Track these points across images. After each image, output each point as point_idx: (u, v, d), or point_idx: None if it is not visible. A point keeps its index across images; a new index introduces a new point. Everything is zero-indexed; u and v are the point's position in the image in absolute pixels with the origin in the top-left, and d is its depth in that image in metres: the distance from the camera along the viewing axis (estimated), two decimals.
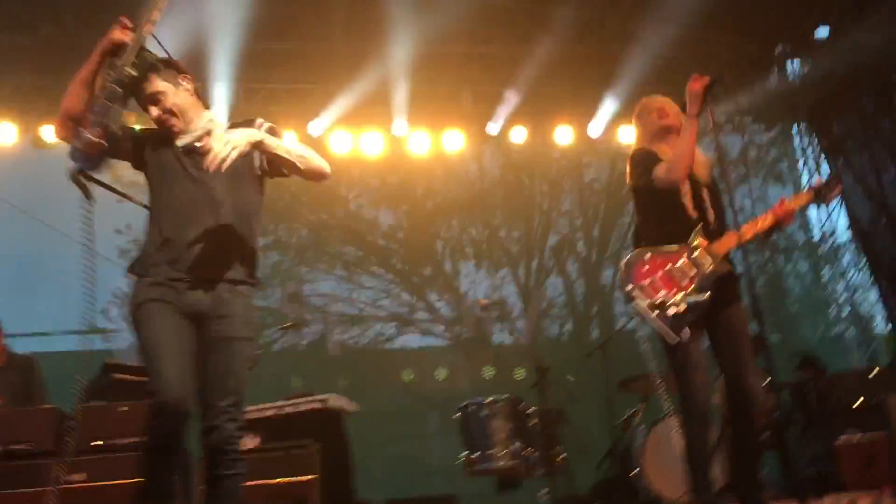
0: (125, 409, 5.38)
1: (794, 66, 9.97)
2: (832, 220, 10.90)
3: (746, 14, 8.49)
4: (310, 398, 6.00)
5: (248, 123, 3.28)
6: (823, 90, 9.74)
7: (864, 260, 10.02)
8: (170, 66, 3.31)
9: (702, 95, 3.69)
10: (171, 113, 3.25)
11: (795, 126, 11.02)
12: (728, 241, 3.73)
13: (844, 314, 10.87)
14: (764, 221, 3.84)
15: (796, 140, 11.13)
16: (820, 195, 4.02)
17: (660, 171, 3.75)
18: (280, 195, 15.61)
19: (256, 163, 3.35)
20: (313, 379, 13.97)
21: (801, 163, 11.02)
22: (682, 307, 3.61)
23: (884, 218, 9.23)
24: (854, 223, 9.87)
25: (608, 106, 9.07)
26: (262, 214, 3.43)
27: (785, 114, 10.68)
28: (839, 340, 11.18)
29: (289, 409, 5.96)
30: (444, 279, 17.12)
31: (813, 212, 10.99)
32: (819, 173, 10.61)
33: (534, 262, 16.86)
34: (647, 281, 3.69)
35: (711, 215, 3.82)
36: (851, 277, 10.74)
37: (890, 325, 9.66)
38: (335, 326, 16.74)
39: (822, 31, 9.40)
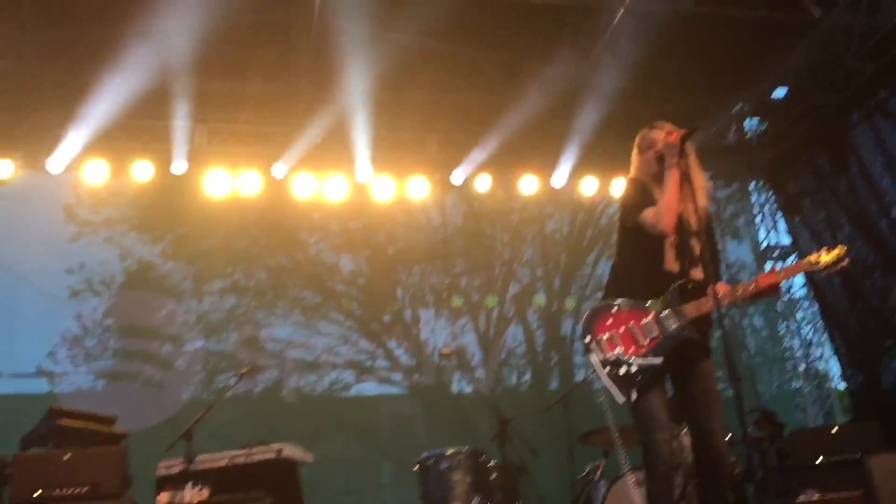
0: (68, 456, 5.15)
1: (752, 124, 10.21)
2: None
3: (708, 72, 8.67)
4: (263, 448, 5.82)
5: None
6: (780, 149, 9.96)
7: (819, 316, 10.16)
8: None
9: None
10: None
11: (753, 183, 11.23)
12: (702, 306, 3.58)
13: (800, 369, 10.97)
14: (746, 290, 3.69)
15: (753, 197, 11.33)
16: (820, 268, 3.71)
17: (648, 215, 3.67)
18: (239, 238, 15.43)
19: None
20: (267, 426, 13.66)
21: (758, 219, 11.20)
22: (633, 369, 3.53)
23: (838, 276, 9.38)
24: (809, 280, 10.02)
25: (571, 158, 9.14)
26: None
27: (742, 171, 10.88)
28: (795, 395, 11.25)
29: (241, 459, 5.78)
30: (404, 326, 16.97)
31: (769, 265, 11.12)
32: (776, 230, 10.80)
33: (494, 310, 16.82)
34: (607, 335, 3.62)
35: (698, 268, 3.68)
36: (806, 333, 10.87)
37: (844, 382, 9.76)
38: (291, 373, 16.45)
39: (780, 92, 9.66)
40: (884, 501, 5.22)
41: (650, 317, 3.62)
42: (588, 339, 3.65)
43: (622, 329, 3.62)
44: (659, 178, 3.77)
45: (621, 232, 3.87)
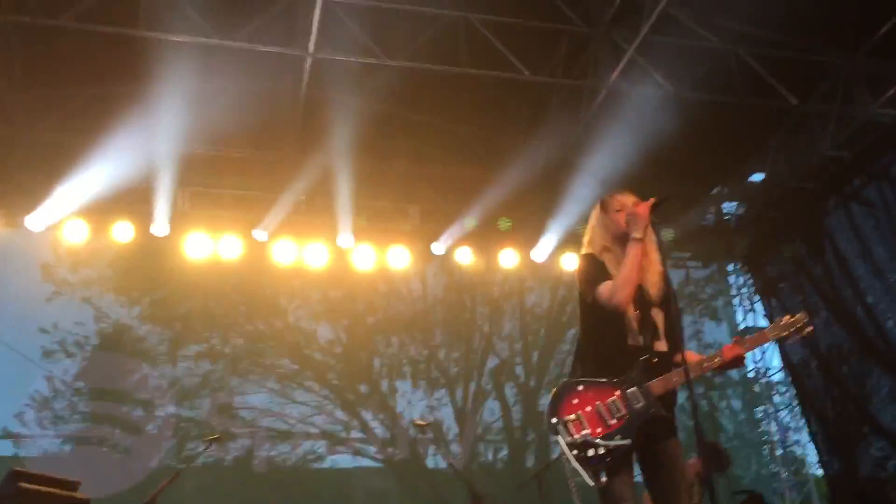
0: None
1: (731, 207, 10.37)
2: (766, 359, 11.09)
3: (686, 155, 8.84)
4: None
5: None
6: (758, 232, 10.10)
7: (796, 400, 10.15)
8: None
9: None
10: None
11: (731, 265, 11.35)
12: (668, 382, 3.52)
13: (778, 454, 10.89)
14: (712, 362, 3.63)
15: (732, 279, 11.44)
16: (783, 334, 3.70)
17: (604, 291, 3.60)
18: (218, 303, 15.33)
19: None
20: (237, 497, 13.34)
21: (735, 301, 11.28)
22: (602, 450, 3.44)
23: (815, 360, 9.41)
24: (787, 363, 10.04)
25: (552, 233, 9.22)
26: None
27: (721, 253, 11.00)
28: (773, 480, 11.14)
29: None
30: (380, 398, 16.77)
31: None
32: (753, 312, 10.87)
33: (472, 384, 16.68)
34: (573, 416, 3.52)
35: (661, 340, 3.62)
36: (784, 418, 10.84)
37: (821, 469, 9.68)
38: (263, 442, 16.14)
39: (758, 177, 9.84)
40: None
41: (616, 395, 3.54)
42: (554, 420, 3.55)
43: (588, 409, 3.53)
44: (622, 240, 3.71)
45: (582, 307, 3.80)
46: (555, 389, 3.66)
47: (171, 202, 8.27)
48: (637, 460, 3.61)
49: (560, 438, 3.52)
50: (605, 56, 7.62)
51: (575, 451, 3.47)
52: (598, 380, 3.60)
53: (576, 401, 3.57)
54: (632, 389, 3.54)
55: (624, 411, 3.51)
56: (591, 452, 3.45)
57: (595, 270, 3.72)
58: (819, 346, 9.13)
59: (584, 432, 3.49)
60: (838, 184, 8.90)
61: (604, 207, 3.88)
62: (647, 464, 3.60)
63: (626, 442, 3.47)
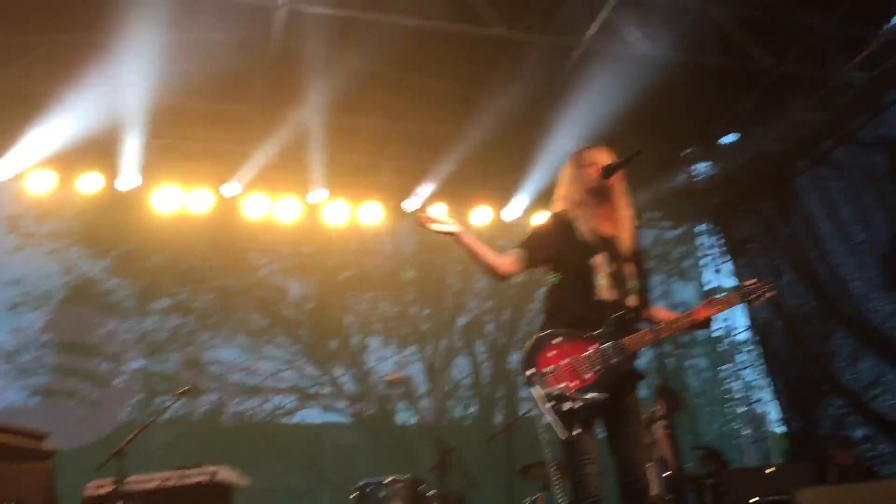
0: None
1: (701, 168, 10.42)
2: (732, 319, 11.27)
3: (658, 116, 8.85)
4: (197, 471, 5.68)
5: None
6: (727, 193, 10.18)
7: (761, 359, 10.33)
8: None
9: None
10: None
11: (700, 226, 11.44)
12: (642, 339, 3.57)
13: (740, 411, 11.13)
14: (682, 322, 3.67)
15: (701, 239, 11.54)
16: (750, 297, 3.76)
17: (501, 263, 3.71)
18: (187, 257, 15.20)
19: None
20: (206, 450, 13.39)
21: (704, 261, 11.40)
22: (578, 404, 3.47)
23: (780, 320, 9.57)
24: (753, 323, 10.20)
25: (524, 191, 9.23)
26: None
27: (691, 213, 11.08)
28: (734, 437, 11.40)
29: (173, 482, 5.63)
30: (351, 354, 16.84)
31: None
32: (720, 272, 11.00)
33: (442, 341, 16.79)
34: (550, 368, 3.54)
35: (633, 295, 3.66)
36: (747, 376, 11.05)
37: (784, 426, 9.91)
38: (233, 397, 16.17)
39: (729, 138, 9.89)
40: None
41: (592, 349, 3.56)
42: (530, 372, 3.56)
43: (565, 362, 3.54)
44: (595, 194, 3.76)
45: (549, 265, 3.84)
46: (530, 341, 3.66)
47: (140, 154, 8.12)
48: (604, 417, 3.66)
49: (535, 390, 3.54)
50: (581, 13, 7.55)
51: (551, 404, 3.49)
52: (574, 332, 3.61)
53: (552, 353, 3.58)
54: (607, 344, 3.56)
55: (600, 366, 3.54)
56: (566, 406, 3.48)
57: (534, 235, 3.84)
58: (784, 306, 9.29)
59: (560, 385, 3.51)
60: (809, 146, 8.98)
61: (576, 162, 3.89)
62: (610, 417, 3.64)
63: (602, 396, 3.50)
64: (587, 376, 3.52)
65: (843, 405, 8.63)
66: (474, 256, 3.69)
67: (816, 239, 8.85)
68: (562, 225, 3.77)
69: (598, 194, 3.75)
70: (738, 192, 10.00)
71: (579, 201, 3.80)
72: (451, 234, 3.69)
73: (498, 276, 3.74)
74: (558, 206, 3.90)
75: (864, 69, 8.00)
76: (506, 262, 3.72)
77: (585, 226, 3.72)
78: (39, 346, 15.76)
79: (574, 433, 3.45)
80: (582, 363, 3.55)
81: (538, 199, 9.29)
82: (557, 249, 3.73)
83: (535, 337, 3.66)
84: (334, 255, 15.96)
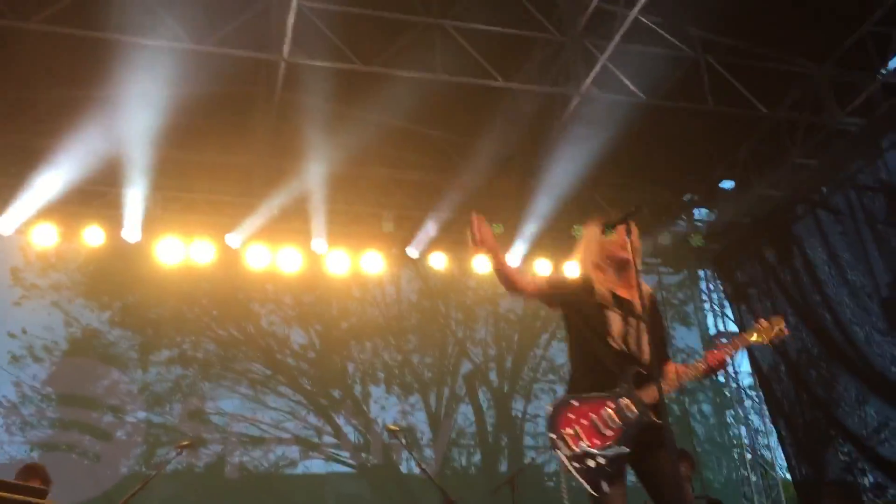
0: None
1: (700, 214, 10.48)
2: (736, 363, 11.22)
3: (657, 162, 8.93)
4: None
5: None
6: (728, 239, 10.21)
7: (766, 405, 10.26)
8: None
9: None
10: None
11: (702, 272, 11.46)
12: (655, 391, 3.60)
13: (747, 458, 11.01)
14: (696, 369, 3.77)
15: (703, 284, 11.55)
16: (762, 336, 3.87)
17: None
18: (189, 307, 15.19)
19: None
20: (209, 503, 13.23)
21: (706, 306, 11.39)
22: (601, 461, 3.53)
23: (783, 365, 9.53)
24: (756, 369, 10.15)
25: (525, 239, 9.27)
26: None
27: (692, 259, 11.11)
28: (742, 484, 11.25)
29: None
30: (354, 403, 16.72)
31: None
32: (724, 317, 10.99)
33: (445, 389, 16.68)
34: (571, 430, 3.61)
35: (645, 352, 3.72)
36: (753, 422, 10.95)
37: (789, 473, 9.80)
38: (235, 448, 16.02)
39: (728, 184, 9.96)
40: None
41: (610, 407, 3.63)
42: (553, 435, 3.64)
43: (584, 422, 3.63)
44: (614, 264, 3.87)
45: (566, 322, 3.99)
46: (550, 407, 3.76)
47: (143, 207, 8.19)
48: (636, 472, 3.71)
49: (559, 452, 3.60)
50: (577, 63, 7.68)
51: (575, 464, 3.55)
52: (591, 394, 3.69)
53: (571, 415, 3.65)
54: (624, 400, 3.63)
55: (619, 423, 3.60)
56: (590, 463, 3.54)
57: (558, 277, 3.97)
58: (788, 351, 9.25)
59: (582, 444, 3.57)
60: (806, 191, 9.03)
61: (604, 229, 3.94)
62: (643, 471, 3.69)
63: (625, 451, 3.56)
64: (607, 433, 3.59)
65: (850, 451, 8.55)
66: (500, 265, 3.83)
67: (818, 283, 8.85)
68: (584, 281, 3.90)
69: (618, 264, 3.87)
70: (739, 238, 10.04)
71: (597, 265, 3.93)
72: (488, 245, 3.82)
73: (514, 290, 3.89)
74: (579, 265, 4.03)
75: (860, 115, 8.09)
76: (526, 280, 3.94)
77: (603, 287, 3.84)
78: (41, 398, 15.67)
79: (603, 490, 3.50)
80: (601, 422, 3.62)
81: (537, 245, 9.33)
82: (576, 296, 3.85)
83: (553, 403, 3.75)
84: (336, 303, 15.94)
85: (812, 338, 9.01)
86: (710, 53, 7.79)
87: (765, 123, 8.51)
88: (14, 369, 15.83)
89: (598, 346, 3.76)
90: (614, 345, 3.74)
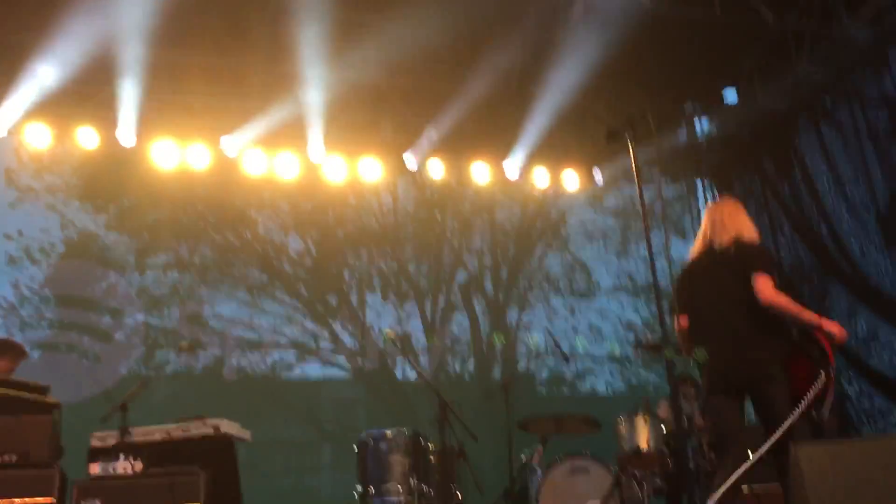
0: None
1: (701, 124, 10.36)
2: None
3: (659, 71, 8.78)
4: (200, 423, 5.76)
5: None
6: (728, 150, 10.14)
7: None
8: None
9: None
10: None
11: (700, 182, 11.41)
12: None
13: None
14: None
15: (701, 196, 11.51)
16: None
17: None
18: (185, 212, 15.20)
19: None
20: (207, 404, 13.54)
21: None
22: None
23: (777, 279, 9.58)
24: None
25: (524, 148, 9.19)
26: None
27: (691, 170, 11.04)
28: None
29: (177, 434, 5.71)
30: (350, 309, 16.91)
31: None
32: None
33: (441, 297, 16.86)
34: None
35: None
36: None
37: None
38: (233, 351, 16.27)
39: (731, 94, 9.81)
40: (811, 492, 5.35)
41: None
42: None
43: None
44: None
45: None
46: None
47: (137, 109, 8.06)
48: None
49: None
50: None
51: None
52: None
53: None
54: None
55: None
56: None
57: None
58: (782, 264, 9.31)
59: None
60: (810, 103, 8.91)
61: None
62: None
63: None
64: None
65: (839, 360, 8.70)
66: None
67: (816, 197, 8.84)
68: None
69: None
70: (739, 149, 9.96)
71: None
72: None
73: None
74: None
75: (869, 25, 7.91)
76: None
77: None
78: (40, 299, 15.81)
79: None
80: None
81: (536, 154, 9.27)
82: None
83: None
84: (333, 211, 15.97)
85: (806, 251, 9.04)
86: None
87: (770, 32, 8.32)
88: (12, 270, 15.97)
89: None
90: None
